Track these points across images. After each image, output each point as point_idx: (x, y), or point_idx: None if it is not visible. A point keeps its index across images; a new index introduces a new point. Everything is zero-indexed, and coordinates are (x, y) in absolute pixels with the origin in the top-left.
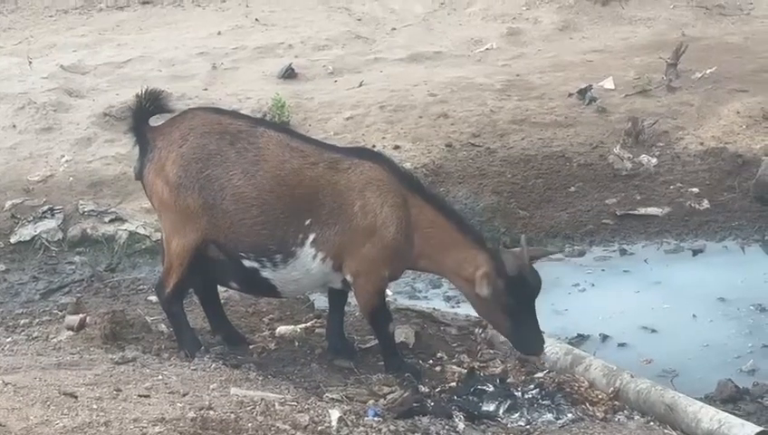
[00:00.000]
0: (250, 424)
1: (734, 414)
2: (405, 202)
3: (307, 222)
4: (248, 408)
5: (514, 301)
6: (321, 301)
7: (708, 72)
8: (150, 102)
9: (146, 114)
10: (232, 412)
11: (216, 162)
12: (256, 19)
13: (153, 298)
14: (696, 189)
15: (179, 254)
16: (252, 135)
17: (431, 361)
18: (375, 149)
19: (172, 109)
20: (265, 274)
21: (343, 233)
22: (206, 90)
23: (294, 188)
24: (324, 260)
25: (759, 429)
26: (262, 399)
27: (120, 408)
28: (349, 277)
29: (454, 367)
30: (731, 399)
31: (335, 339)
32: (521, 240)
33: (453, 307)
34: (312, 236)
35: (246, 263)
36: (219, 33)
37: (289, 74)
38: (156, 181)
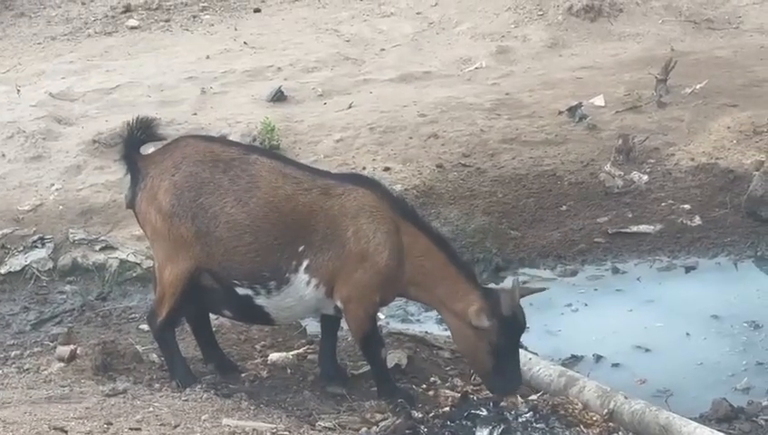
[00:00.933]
0: None
1: (730, 434)
2: (397, 229)
3: (300, 248)
4: None
5: (504, 341)
6: (313, 326)
7: (698, 87)
8: (141, 130)
9: (137, 142)
10: None
11: (208, 190)
12: (245, 42)
13: (144, 327)
14: (687, 206)
15: (172, 283)
16: (245, 162)
17: (424, 385)
18: (368, 176)
19: (163, 137)
20: (259, 301)
21: (336, 259)
22: (195, 114)
23: (287, 214)
24: (318, 286)
25: None
26: (254, 429)
27: None
28: (339, 303)
29: (447, 391)
30: (726, 418)
31: (327, 365)
32: (512, 282)
33: (445, 330)
34: (305, 263)
35: (240, 290)
36: (208, 58)
37: (278, 97)
38: (148, 210)
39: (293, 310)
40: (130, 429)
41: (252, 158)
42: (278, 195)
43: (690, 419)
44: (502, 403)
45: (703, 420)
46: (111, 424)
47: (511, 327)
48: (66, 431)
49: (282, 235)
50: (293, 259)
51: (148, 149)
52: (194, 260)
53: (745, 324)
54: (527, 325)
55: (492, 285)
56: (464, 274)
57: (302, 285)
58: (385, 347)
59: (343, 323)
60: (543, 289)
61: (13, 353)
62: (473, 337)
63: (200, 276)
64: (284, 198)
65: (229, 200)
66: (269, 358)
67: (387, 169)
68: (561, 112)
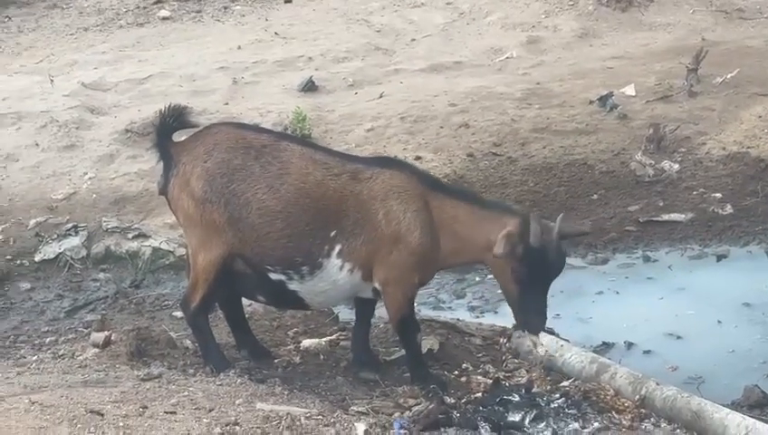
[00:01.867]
0: None
1: (762, 420)
2: (426, 205)
3: (332, 233)
4: (274, 422)
5: (527, 272)
6: (345, 313)
7: (729, 76)
8: (173, 118)
9: (169, 130)
10: (258, 427)
11: (240, 177)
12: (276, 33)
13: (178, 314)
14: (718, 195)
15: (206, 268)
16: (276, 149)
17: (456, 371)
18: (395, 157)
19: (195, 124)
20: (292, 286)
21: (369, 242)
22: (226, 104)
23: (318, 200)
24: (352, 271)
25: None
26: (287, 413)
27: (147, 425)
28: (378, 286)
29: (479, 377)
30: (758, 404)
31: (361, 351)
32: (558, 218)
33: (477, 317)
34: (338, 248)
35: (273, 276)
36: (239, 48)
37: (309, 87)
38: (181, 196)
39: (327, 295)
40: (166, 412)
41: (282, 144)
42: (309, 181)
43: (722, 405)
44: (532, 385)
45: (735, 406)
46: (147, 408)
47: (537, 260)
48: (102, 414)
49: (313, 220)
50: (326, 244)
51: (181, 136)
52: (226, 246)
53: None
54: (561, 269)
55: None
56: (497, 210)
57: (335, 270)
58: (420, 332)
59: (379, 310)
60: (587, 232)
61: (48, 340)
62: (502, 264)
63: (233, 262)
64: (315, 184)
65: (261, 187)
66: (302, 344)
67: (418, 158)
68: (591, 102)
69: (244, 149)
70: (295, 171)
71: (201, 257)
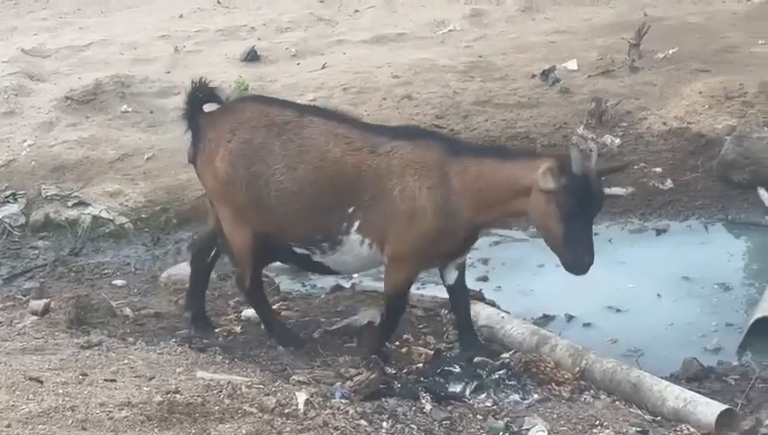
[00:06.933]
0: (217, 407)
1: (700, 393)
2: (445, 176)
3: (350, 210)
4: (215, 391)
5: (573, 203)
6: (286, 284)
7: (671, 52)
8: (202, 93)
9: (198, 101)
10: (199, 396)
11: (261, 157)
12: (218, 2)
13: (118, 282)
14: (659, 169)
15: (242, 248)
16: (298, 125)
17: (398, 342)
18: (423, 128)
19: (222, 101)
20: (317, 259)
21: (385, 217)
22: (168, 73)
23: (335, 177)
24: (372, 245)
25: (724, 407)
26: (228, 382)
27: (86, 392)
28: (384, 259)
29: (420, 348)
30: (696, 377)
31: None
32: (593, 150)
33: (418, 289)
34: (356, 223)
35: (297, 250)
36: (181, 17)
37: (252, 57)
38: (206, 175)
39: (355, 265)
40: (105, 380)
41: (306, 120)
42: (327, 158)
43: (661, 377)
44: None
45: (673, 379)
46: (87, 375)
47: (582, 188)
48: (42, 381)
49: (330, 198)
50: (344, 221)
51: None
52: (252, 226)
53: (715, 286)
54: (603, 201)
55: None
56: (524, 157)
57: (356, 244)
58: (404, 312)
59: (319, 280)
60: (623, 167)
61: None
62: (543, 203)
63: (264, 238)
64: (333, 162)
65: (279, 167)
66: (243, 313)
67: None
68: (534, 76)
69: (267, 127)
70: (314, 149)
71: (237, 238)
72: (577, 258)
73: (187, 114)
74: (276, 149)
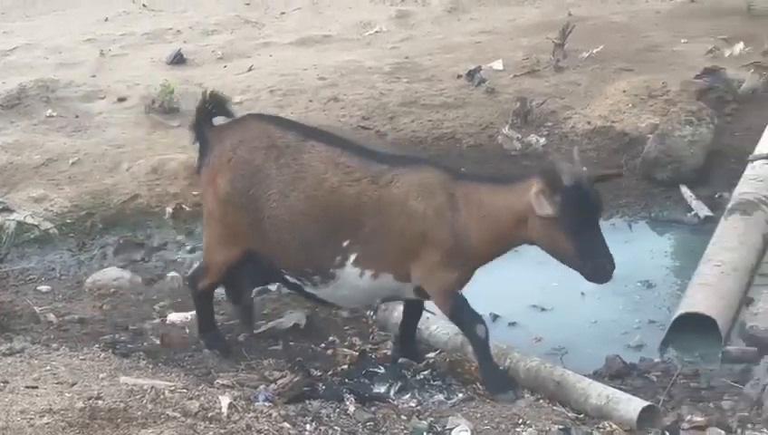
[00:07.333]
0: (139, 412)
1: (622, 389)
2: (452, 198)
3: (345, 243)
4: (138, 396)
5: (576, 214)
6: None
7: (595, 51)
8: (212, 105)
9: (209, 114)
10: (121, 401)
11: (258, 179)
12: (144, 5)
13: (42, 288)
14: (583, 168)
15: (220, 265)
16: (297, 150)
17: (323, 344)
18: (422, 155)
19: (232, 114)
20: (309, 290)
21: (395, 246)
22: (94, 77)
23: (331, 208)
24: (376, 276)
25: (645, 403)
26: (152, 387)
27: (7, 400)
28: (417, 283)
29: (345, 350)
30: (619, 374)
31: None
32: (573, 152)
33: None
34: (353, 256)
35: (289, 278)
36: (107, 20)
37: (178, 60)
38: (207, 190)
39: (356, 297)
40: (27, 387)
41: (307, 145)
42: (322, 188)
43: (584, 375)
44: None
45: (596, 376)
46: (8, 382)
47: (579, 197)
48: None
49: (323, 230)
50: (338, 255)
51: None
52: (244, 247)
53: (638, 284)
54: (600, 202)
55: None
56: (511, 181)
57: (354, 278)
58: (483, 324)
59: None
60: (615, 175)
61: None
62: (545, 227)
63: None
64: (329, 191)
65: (273, 193)
66: (168, 318)
67: None
68: (460, 76)
69: (267, 148)
70: (310, 177)
71: (218, 254)
72: (599, 269)
73: (196, 126)
74: (272, 172)
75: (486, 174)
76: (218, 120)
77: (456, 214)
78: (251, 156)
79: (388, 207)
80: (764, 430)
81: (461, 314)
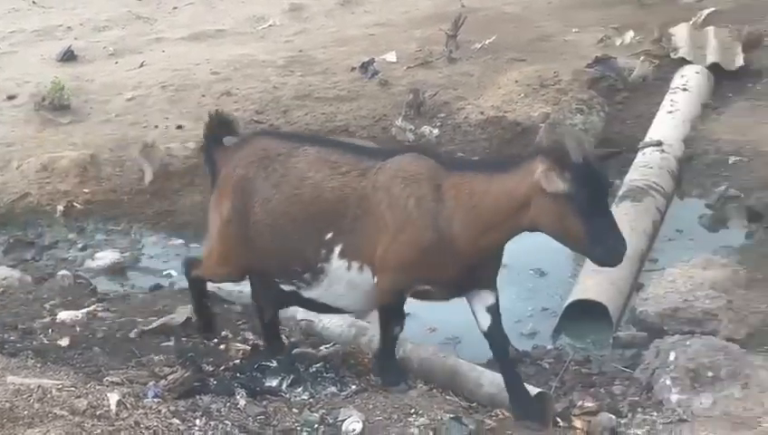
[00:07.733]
0: (26, 412)
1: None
2: (437, 189)
3: (328, 236)
4: (24, 396)
5: (585, 192)
6: (103, 285)
7: (487, 42)
8: (219, 126)
9: (216, 137)
10: (7, 401)
11: (249, 192)
12: (34, 2)
13: None
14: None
15: (220, 274)
16: (288, 156)
17: (216, 339)
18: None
19: (239, 133)
20: (306, 294)
21: (375, 235)
22: None
23: (311, 204)
24: (362, 268)
25: (537, 390)
26: (39, 386)
27: None
28: (371, 269)
29: (238, 344)
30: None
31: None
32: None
33: (237, 285)
34: (337, 249)
35: (284, 287)
36: None
37: (68, 57)
38: (214, 213)
39: (354, 296)
40: None
41: (300, 150)
42: (304, 186)
43: (477, 364)
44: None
45: (489, 365)
46: None
47: (588, 175)
48: None
49: (304, 226)
50: (322, 247)
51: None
52: (243, 265)
53: (531, 272)
54: (608, 181)
55: None
56: (512, 165)
57: (343, 271)
58: (400, 326)
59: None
60: (618, 152)
61: None
62: (553, 206)
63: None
64: (311, 187)
65: (258, 200)
66: (58, 317)
67: (179, 127)
68: (353, 69)
69: (260, 160)
70: (294, 178)
71: (222, 269)
72: (610, 251)
73: (205, 150)
74: (259, 182)
75: (483, 161)
76: (228, 140)
77: (439, 211)
78: (245, 171)
79: (371, 194)
80: (654, 413)
81: (390, 313)
